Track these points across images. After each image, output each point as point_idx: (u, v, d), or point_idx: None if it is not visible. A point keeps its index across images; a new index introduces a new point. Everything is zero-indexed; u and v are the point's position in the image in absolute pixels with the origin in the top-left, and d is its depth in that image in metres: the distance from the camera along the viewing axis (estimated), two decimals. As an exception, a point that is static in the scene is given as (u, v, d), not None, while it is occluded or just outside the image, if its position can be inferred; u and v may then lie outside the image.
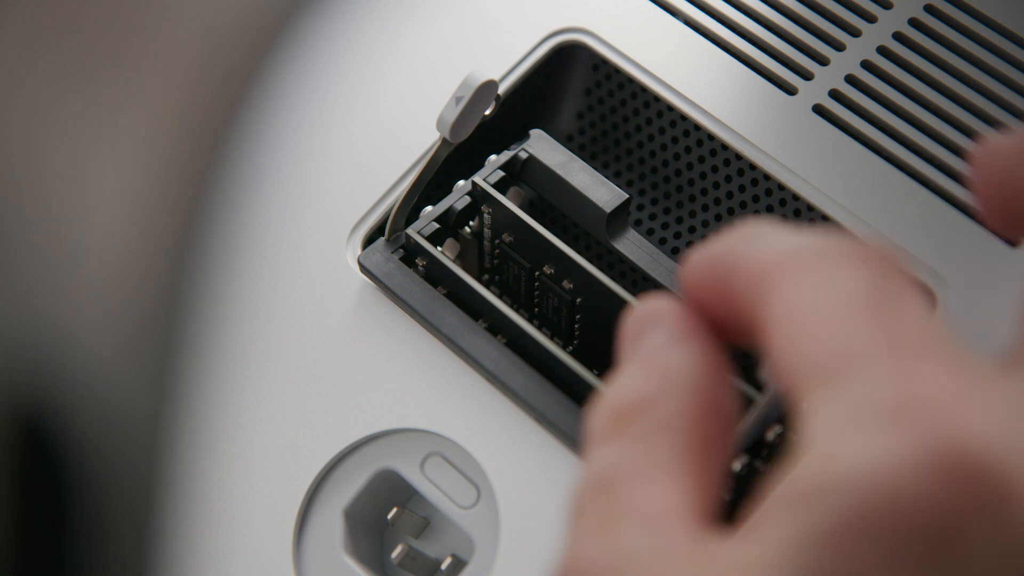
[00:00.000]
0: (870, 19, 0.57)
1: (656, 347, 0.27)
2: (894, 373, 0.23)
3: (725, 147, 0.55)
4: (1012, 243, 0.52)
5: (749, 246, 0.26)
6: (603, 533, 0.25)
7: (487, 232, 0.53)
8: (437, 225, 0.52)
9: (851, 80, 0.56)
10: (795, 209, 0.54)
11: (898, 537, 0.22)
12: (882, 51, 0.56)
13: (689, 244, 0.57)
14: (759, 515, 0.23)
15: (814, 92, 0.55)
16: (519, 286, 0.54)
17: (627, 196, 0.51)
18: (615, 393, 0.27)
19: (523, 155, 0.53)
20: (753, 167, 0.55)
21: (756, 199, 0.55)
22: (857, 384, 0.23)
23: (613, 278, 0.57)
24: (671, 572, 0.24)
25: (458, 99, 0.48)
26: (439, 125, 0.49)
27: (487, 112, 0.50)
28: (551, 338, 0.53)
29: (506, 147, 0.54)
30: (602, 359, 0.52)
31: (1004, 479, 0.22)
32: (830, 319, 0.24)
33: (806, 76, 0.56)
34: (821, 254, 0.25)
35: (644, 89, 0.57)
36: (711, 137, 0.56)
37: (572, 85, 0.59)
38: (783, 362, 0.24)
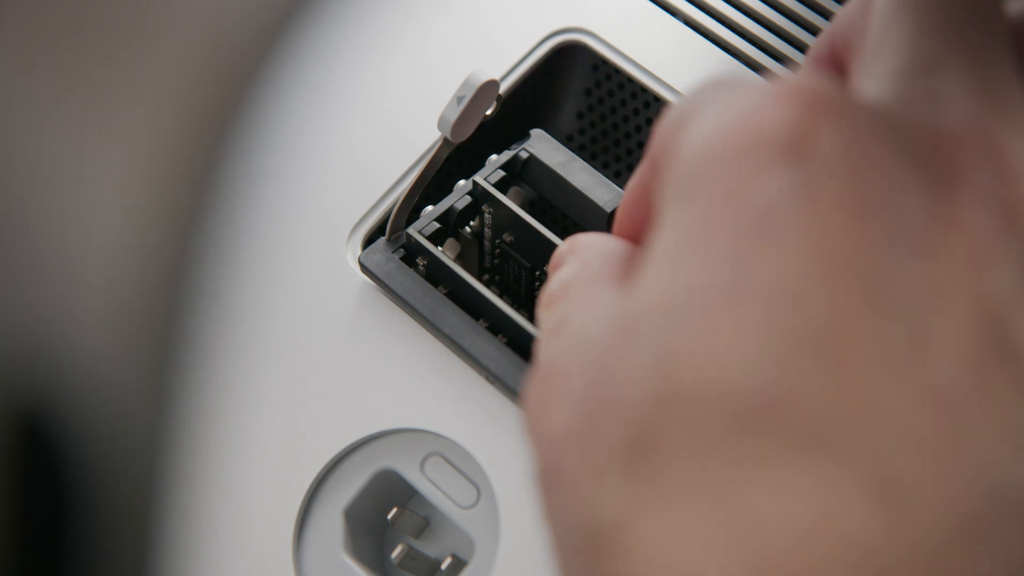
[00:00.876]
0: (870, 19, 0.57)
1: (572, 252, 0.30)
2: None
3: (725, 147, 0.55)
4: None
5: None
6: (555, 332, 0.27)
7: (487, 232, 0.53)
8: (438, 225, 0.52)
9: (851, 80, 0.56)
10: (795, 209, 0.54)
11: (754, 148, 0.24)
12: (882, 51, 0.56)
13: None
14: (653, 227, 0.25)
15: (814, 92, 0.55)
16: (519, 285, 0.54)
17: (627, 196, 0.51)
18: (545, 290, 0.30)
19: (524, 155, 0.53)
20: (753, 167, 0.55)
21: (756, 199, 0.55)
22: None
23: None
24: (596, 320, 0.26)
25: (459, 99, 0.48)
26: (440, 125, 0.49)
27: (488, 112, 0.50)
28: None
29: (507, 147, 0.54)
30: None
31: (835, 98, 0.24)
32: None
33: (806, 76, 0.56)
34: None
35: (644, 89, 0.57)
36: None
37: (572, 85, 0.59)
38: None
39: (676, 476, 0.22)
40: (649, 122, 0.58)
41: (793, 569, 0.21)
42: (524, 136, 0.53)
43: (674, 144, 0.25)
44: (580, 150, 0.59)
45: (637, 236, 0.29)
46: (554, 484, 0.24)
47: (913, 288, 0.23)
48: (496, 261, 0.54)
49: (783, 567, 0.21)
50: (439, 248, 0.51)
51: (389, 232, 0.51)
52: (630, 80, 0.57)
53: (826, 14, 0.58)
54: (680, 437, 0.22)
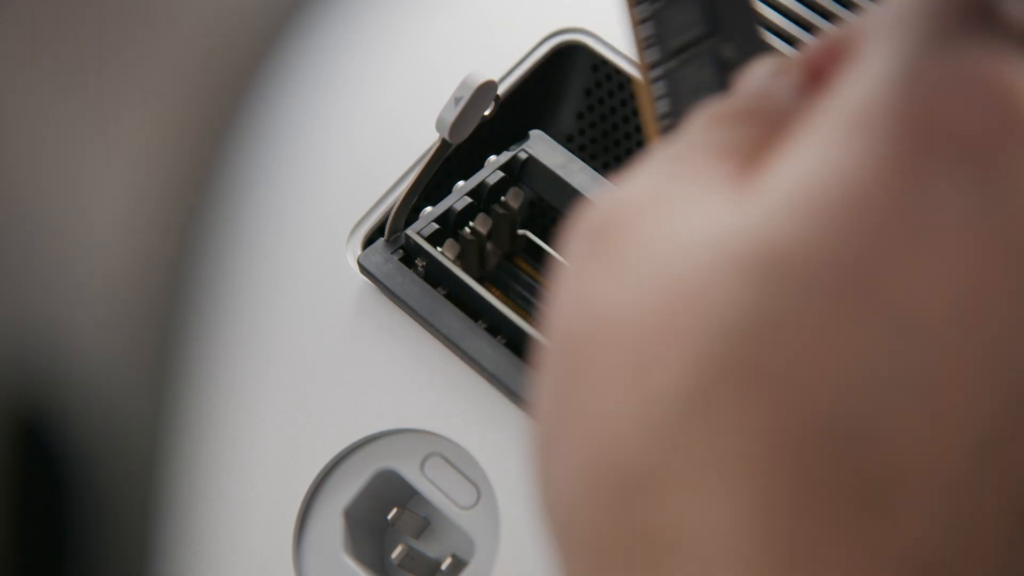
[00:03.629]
0: (870, 19, 0.57)
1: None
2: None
3: (725, 147, 0.55)
4: None
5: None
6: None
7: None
8: (437, 226, 0.52)
9: (851, 80, 0.56)
10: (795, 209, 0.54)
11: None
12: (882, 51, 0.56)
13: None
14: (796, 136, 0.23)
15: (814, 92, 0.55)
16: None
17: (627, 196, 0.51)
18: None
19: (523, 156, 0.53)
20: (753, 167, 0.55)
21: (756, 199, 0.55)
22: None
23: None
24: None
25: (457, 100, 0.48)
26: (438, 126, 0.49)
27: (486, 113, 0.50)
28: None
29: (506, 148, 0.54)
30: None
31: None
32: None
33: (806, 76, 0.56)
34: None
35: (644, 89, 0.57)
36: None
37: (572, 85, 0.59)
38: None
39: None
40: (649, 122, 0.58)
41: None
42: (523, 137, 0.53)
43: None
44: (580, 151, 0.59)
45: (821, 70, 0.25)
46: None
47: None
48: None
49: None
50: (438, 249, 0.51)
51: (388, 233, 0.51)
52: (630, 80, 0.57)
53: (826, 14, 0.58)
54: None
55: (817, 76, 0.25)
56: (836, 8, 0.58)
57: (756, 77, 0.25)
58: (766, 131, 0.23)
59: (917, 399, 0.20)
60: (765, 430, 0.20)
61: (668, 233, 0.22)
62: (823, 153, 0.22)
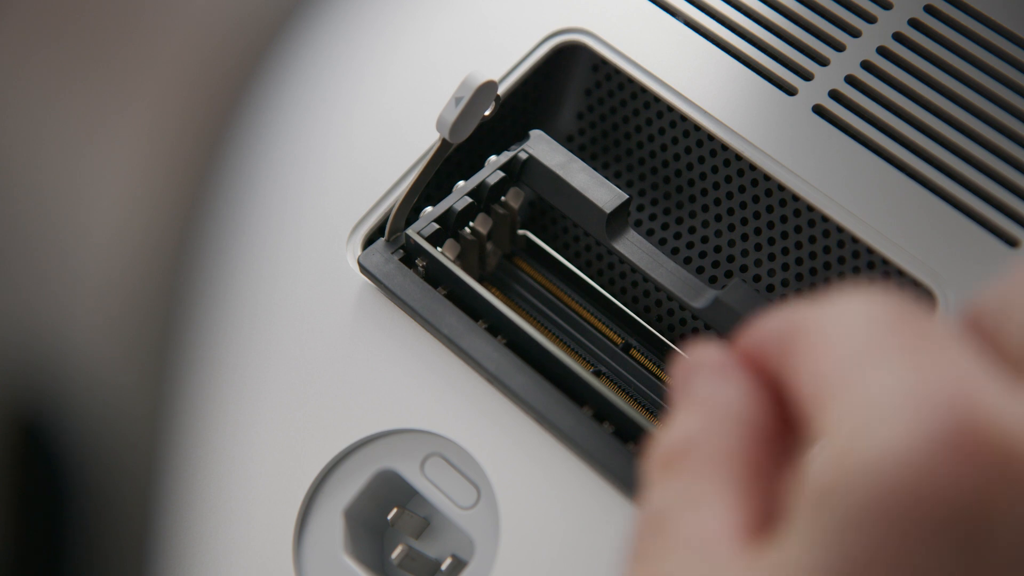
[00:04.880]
0: (870, 20, 0.57)
1: (701, 388, 0.27)
2: (908, 367, 0.23)
3: (725, 147, 0.55)
4: (1012, 243, 0.52)
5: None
6: (654, 564, 0.25)
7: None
8: (437, 226, 0.52)
9: (851, 81, 0.56)
10: (795, 209, 0.54)
11: (922, 518, 0.22)
12: (882, 52, 0.56)
13: (689, 244, 0.57)
14: (788, 518, 0.24)
15: (814, 92, 0.56)
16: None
17: (627, 196, 0.51)
18: (666, 437, 0.27)
19: (523, 156, 0.53)
20: (753, 167, 0.55)
21: (756, 199, 0.55)
22: (873, 381, 0.23)
23: (613, 280, 0.57)
24: None
25: (458, 100, 0.48)
26: (439, 126, 0.49)
27: (487, 113, 0.50)
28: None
29: (506, 148, 0.54)
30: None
31: None
32: (844, 335, 0.24)
33: (806, 76, 0.56)
34: (836, 301, 0.25)
35: (644, 90, 0.57)
36: (711, 137, 0.56)
37: (572, 85, 0.59)
38: (804, 386, 0.25)
39: None
40: (649, 122, 0.58)
41: None
42: (523, 137, 0.53)
43: (824, 381, 0.24)
44: (580, 150, 0.59)
45: (759, 372, 0.27)
46: None
47: None
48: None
49: None
50: (438, 249, 0.51)
51: (388, 233, 0.51)
52: (630, 80, 0.57)
53: (826, 14, 0.58)
54: None
55: (758, 370, 0.26)
56: (836, 8, 0.58)
57: (699, 389, 0.27)
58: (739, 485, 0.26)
59: None
60: None
61: None
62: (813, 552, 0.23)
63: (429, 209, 0.52)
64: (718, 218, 0.57)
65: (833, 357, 0.24)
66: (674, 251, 0.57)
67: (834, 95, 0.55)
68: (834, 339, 0.24)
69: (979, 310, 0.25)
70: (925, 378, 0.22)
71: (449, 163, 0.55)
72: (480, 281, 0.53)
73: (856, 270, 0.53)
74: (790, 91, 0.56)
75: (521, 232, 0.57)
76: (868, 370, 0.23)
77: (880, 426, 0.22)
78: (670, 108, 0.56)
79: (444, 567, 0.49)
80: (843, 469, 0.22)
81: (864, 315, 0.24)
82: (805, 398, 0.25)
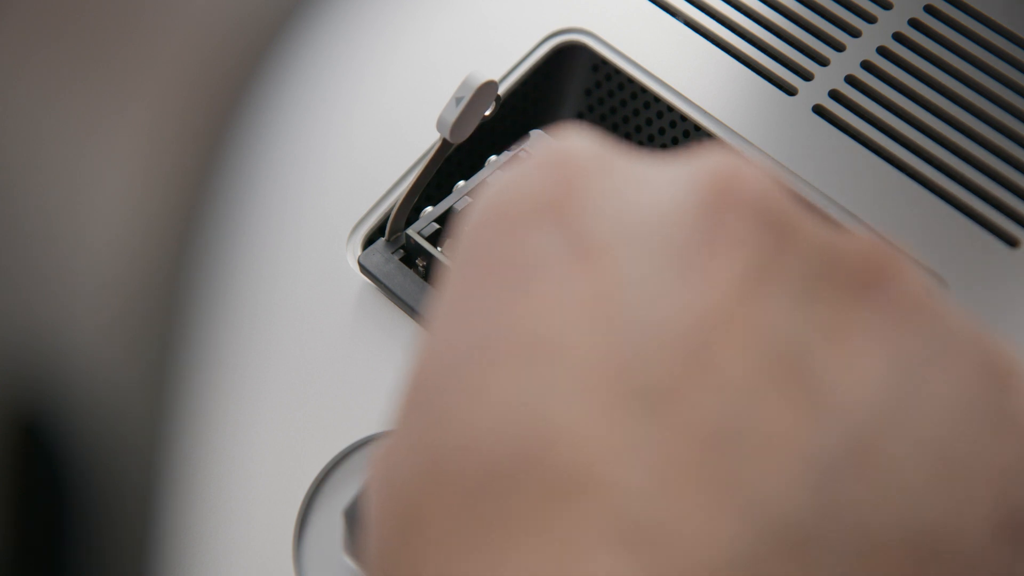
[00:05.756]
0: (870, 20, 0.57)
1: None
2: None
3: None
4: (1012, 243, 0.52)
5: None
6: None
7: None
8: (437, 226, 0.52)
9: (851, 80, 0.56)
10: (795, 209, 0.54)
11: (510, 212, 0.24)
12: (882, 52, 0.56)
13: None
14: None
15: (814, 92, 0.56)
16: None
17: (627, 196, 0.51)
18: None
19: (523, 156, 0.53)
20: (753, 167, 0.55)
21: (756, 199, 0.55)
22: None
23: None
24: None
25: (458, 100, 0.48)
26: (439, 126, 0.49)
27: (487, 113, 0.50)
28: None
29: (506, 147, 0.54)
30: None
31: (586, 159, 0.24)
32: None
33: (806, 76, 0.56)
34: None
35: (644, 90, 0.57)
36: (711, 137, 0.56)
37: (572, 86, 0.59)
38: None
39: (447, 548, 0.22)
40: (649, 122, 0.58)
41: None
42: (523, 137, 0.53)
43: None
44: (580, 150, 0.59)
45: None
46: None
47: (685, 321, 0.22)
48: None
49: None
50: (439, 249, 0.51)
51: (388, 233, 0.51)
52: (630, 80, 0.57)
53: (825, 14, 0.58)
54: (446, 510, 0.22)
55: None
56: (836, 8, 0.58)
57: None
58: None
59: None
60: None
61: None
62: None
63: (429, 209, 0.52)
64: (718, 218, 0.57)
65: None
66: (674, 251, 0.57)
67: (834, 95, 0.55)
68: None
69: None
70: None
71: (449, 163, 0.55)
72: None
73: (856, 270, 0.53)
74: (790, 91, 0.56)
75: (521, 232, 0.57)
76: None
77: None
78: (670, 108, 0.56)
79: (444, 567, 0.49)
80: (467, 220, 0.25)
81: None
82: None
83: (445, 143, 0.50)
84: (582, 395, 0.21)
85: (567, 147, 0.24)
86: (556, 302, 0.22)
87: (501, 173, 0.25)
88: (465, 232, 0.25)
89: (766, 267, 0.22)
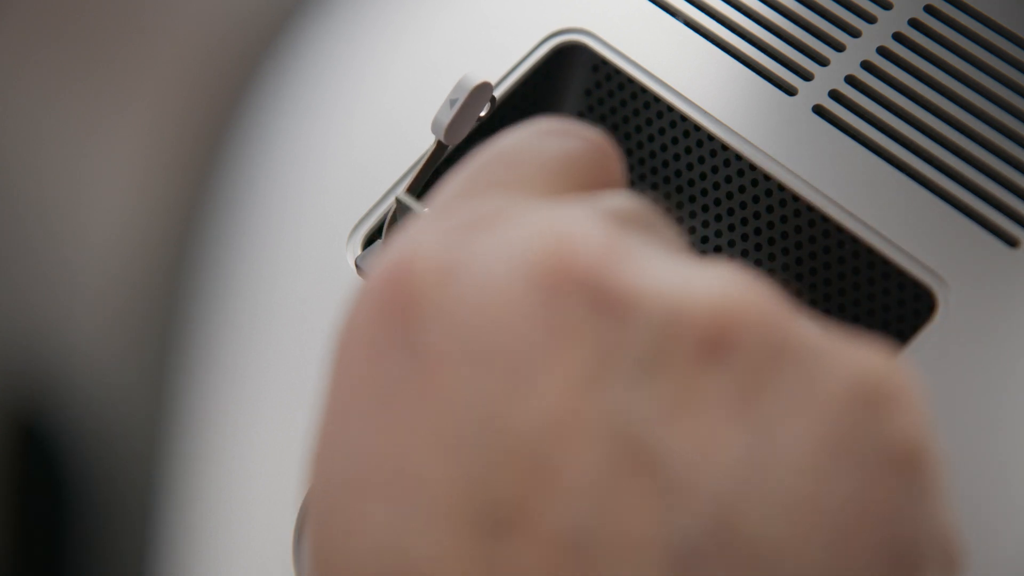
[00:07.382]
0: (870, 20, 0.57)
1: None
2: None
3: (725, 147, 0.55)
4: (1012, 243, 0.52)
5: None
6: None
7: None
8: (437, 225, 0.52)
9: (851, 81, 0.56)
10: (795, 209, 0.54)
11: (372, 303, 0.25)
12: (882, 52, 0.56)
13: (689, 244, 0.57)
14: None
15: (814, 92, 0.56)
16: None
17: (627, 196, 0.51)
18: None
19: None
20: (753, 167, 0.55)
21: (756, 199, 0.55)
22: None
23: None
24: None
25: (452, 101, 0.48)
26: (433, 128, 0.49)
27: (482, 114, 0.50)
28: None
29: (506, 147, 0.54)
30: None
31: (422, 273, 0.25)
32: None
33: (806, 76, 0.56)
34: None
35: (644, 90, 0.57)
36: (711, 137, 0.56)
37: (572, 86, 0.59)
38: None
39: None
40: (649, 123, 0.58)
41: None
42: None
43: None
44: (580, 150, 0.59)
45: None
46: None
47: (526, 430, 0.22)
48: None
49: None
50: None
51: (386, 235, 0.51)
52: (630, 81, 0.57)
53: (826, 14, 0.58)
54: None
55: None
56: (836, 8, 0.58)
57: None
58: None
59: None
60: None
61: None
62: None
63: (427, 211, 0.52)
64: (718, 218, 0.57)
65: None
66: (674, 251, 0.57)
67: (834, 95, 0.55)
68: None
69: None
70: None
71: (449, 163, 0.55)
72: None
73: (856, 270, 0.53)
74: (790, 91, 0.56)
75: (521, 232, 0.57)
76: None
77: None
78: (670, 108, 0.56)
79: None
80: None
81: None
82: None
83: (440, 145, 0.49)
84: (437, 523, 0.21)
85: (408, 257, 0.25)
86: (410, 430, 0.22)
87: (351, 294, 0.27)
88: (331, 351, 0.25)
89: (603, 356, 0.22)
